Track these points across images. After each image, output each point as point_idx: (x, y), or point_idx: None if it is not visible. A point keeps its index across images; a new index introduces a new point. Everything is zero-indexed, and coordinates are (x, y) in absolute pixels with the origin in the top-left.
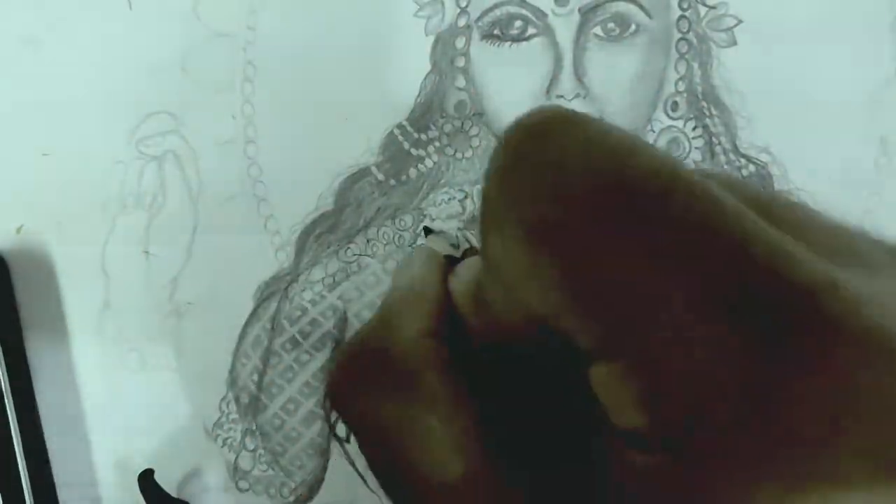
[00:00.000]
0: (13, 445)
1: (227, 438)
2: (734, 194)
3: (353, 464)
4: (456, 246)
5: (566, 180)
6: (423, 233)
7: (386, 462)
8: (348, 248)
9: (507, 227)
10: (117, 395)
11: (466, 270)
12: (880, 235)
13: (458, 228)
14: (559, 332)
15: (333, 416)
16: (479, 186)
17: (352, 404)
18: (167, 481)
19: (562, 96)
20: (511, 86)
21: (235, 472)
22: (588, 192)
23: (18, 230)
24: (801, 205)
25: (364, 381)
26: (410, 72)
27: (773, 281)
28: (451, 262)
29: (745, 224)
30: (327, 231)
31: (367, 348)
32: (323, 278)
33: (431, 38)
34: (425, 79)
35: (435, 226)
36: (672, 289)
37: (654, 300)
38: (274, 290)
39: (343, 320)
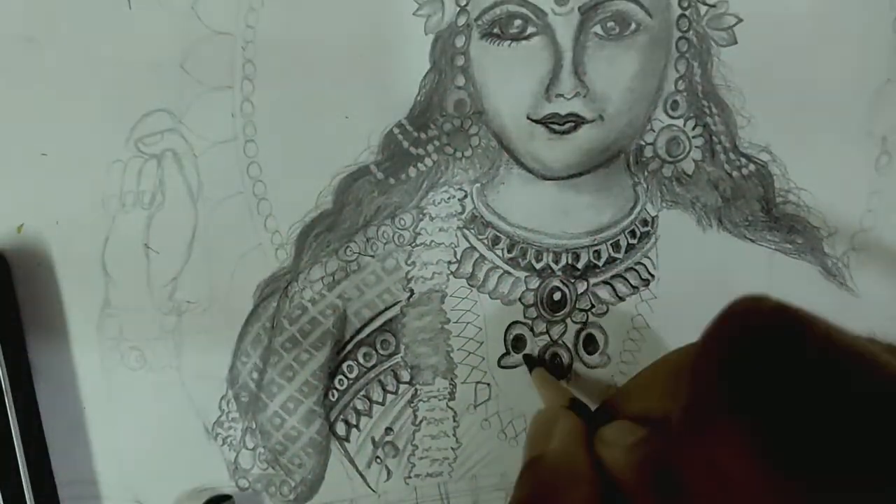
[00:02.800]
0: (13, 444)
1: (227, 437)
2: None
3: (352, 462)
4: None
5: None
6: (524, 364)
7: None
8: (348, 246)
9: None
10: (117, 394)
11: (618, 435)
12: None
13: (458, 227)
14: None
15: (333, 414)
16: (478, 185)
17: None
18: (168, 480)
19: (561, 95)
20: (510, 84)
21: (235, 470)
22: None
23: (19, 229)
24: None
25: None
26: (410, 70)
27: None
28: (574, 408)
29: None
30: (326, 230)
31: None
32: (322, 277)
33: (431, 37)
34: (424, 77)
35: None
36: None
37: None
38: (274, 288)
39: (342, 319)
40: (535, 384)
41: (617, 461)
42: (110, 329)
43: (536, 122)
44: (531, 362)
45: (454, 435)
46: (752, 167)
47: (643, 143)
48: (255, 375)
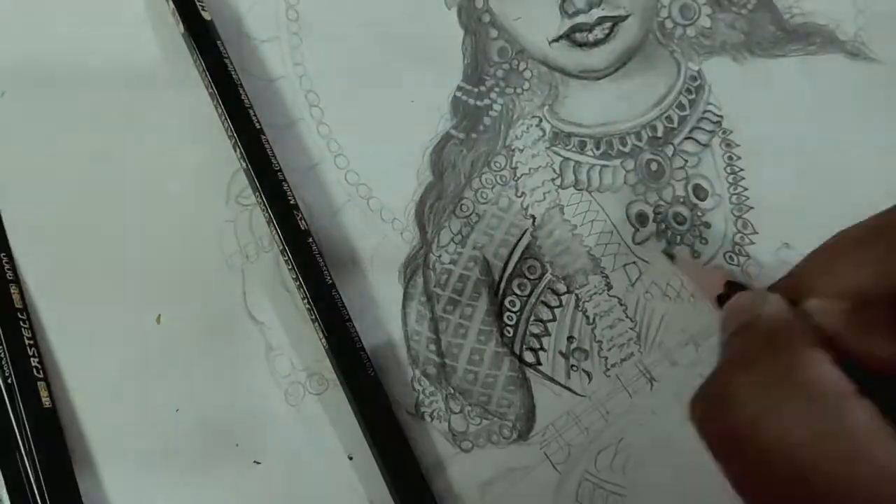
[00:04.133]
0: None
1: (432, 412)
2: None
3: (553, 380)
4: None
5: None
6: (667, 258)
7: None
8: (461, 204)
9: None
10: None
11: (831, 304)
12: None
13: (546, 148)
14: None
15: (516, 347)
16: (546, 107)
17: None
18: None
19: (578, 11)
20: (535, 18)
21: (454, 437)
22: None
23: (158, 320)
24: None
25: (775, 405)
26: (449, 42)
27: None
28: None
29: None
30: (437, 199)
31: (771, 371)
32: (452, 238)
33: (455, 10)
34: (463, 42)
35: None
36: None
37: None
38: (414, 267)
39: (486, 265)
40: (685, 272)
41: (835, 327)
42: (282, 368)
43: (569, 38)
44: (670, 255)
45: (627, 317)
46: (753, 1)
47: (661, 18)
48: (432, 347)
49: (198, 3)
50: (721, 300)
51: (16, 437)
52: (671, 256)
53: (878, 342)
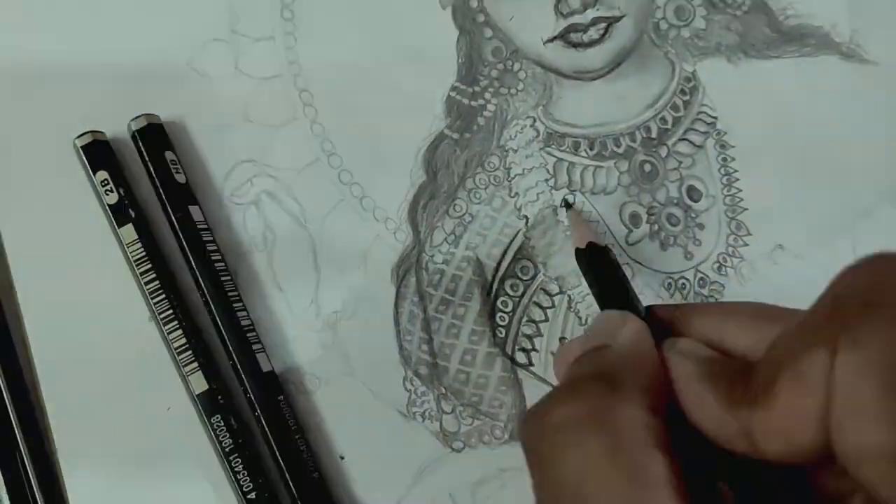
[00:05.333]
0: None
1: (423, 412)
2: None
3: (545, 381)
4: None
5: None
6: (563, 206)
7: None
8: (455, 204)
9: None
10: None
11: (697, 350)
12: None
13: (540, 149)
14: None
15: (508, 348)
16: (540, 108)
17: (560, 450)
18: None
19: (572, 11)
20: (530, 18)
21: (445, 437)
22: None
23: (150, 319)
24: None
25: (577, 440)
26: (443, 41)
27: None
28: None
29: None
30: (430, 198)
31: (584, 405)
32: (445, 238)
33: (449, 9)
34: (458, 42)
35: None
36: None
37: None
38: (407, 266)
39: (479, 265)
40: (571, 223)
41: (693, 374)
42: (276, 366)
43: (564, 39)
44: (567, 204)
45: None
46: (748, 3)
47: (656, 19)
48: (424, 347)
49: None
50: (577, 254)
51: (16, 437)
52: (569, 206)
53: (709, 406)
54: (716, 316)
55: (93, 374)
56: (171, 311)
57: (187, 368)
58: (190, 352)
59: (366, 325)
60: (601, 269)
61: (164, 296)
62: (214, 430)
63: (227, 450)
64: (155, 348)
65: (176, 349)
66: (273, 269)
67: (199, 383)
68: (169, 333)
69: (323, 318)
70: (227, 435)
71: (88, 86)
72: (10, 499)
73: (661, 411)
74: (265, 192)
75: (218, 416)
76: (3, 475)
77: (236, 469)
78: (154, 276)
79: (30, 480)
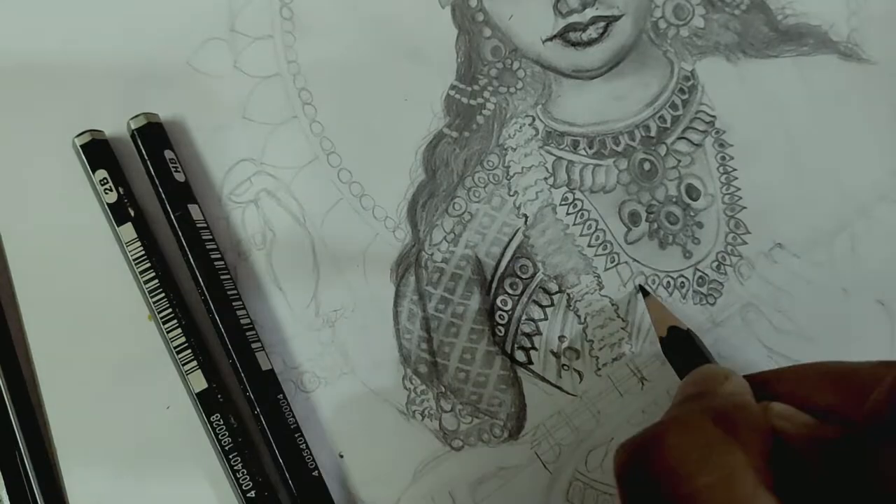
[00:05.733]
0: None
1: (423, 410)
2: None
3: (544, 380)
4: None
5: None
6: (639, 292)
7: None
8: (454, 203)
9: None
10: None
11: (791, 413)
12: None
13: (539, 147)
14: None
15: (507, 346)
16: (539, 107)
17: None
18: (389, 470)
19: (571, 11)
20: (529, 17)
21: (444, 435)
22: None
23: (149, 317)
24: None
25: (691, 472)
26: (443, 40)
27: None
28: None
29: None
30: (430, 197)
31: (701, 439)
32: (444, 237)
33: (449, 9)
34: (457, 41)
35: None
36: None
37: None
38: (406, 265)
39: (478, 263)
40: (650, 311)
41: (794, 435)
42: (275, 365)
43: (563, 38)
44: (644, 291)
45: (618, 316)
46: (747, 2)
47: (655, 18)
48: (423, 346)
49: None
50: (662, 342)
51: (16, 436)
52: (645, 293)
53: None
54: (792, 381)
55: (92, 374)
56: (170, 310)
57: (187, 367)
58: (189, 350)
59: (365, 324)
60: (685, 352)
61: (163, 294)
62: (214, 429)
63: (226, 448)
64: (154, 347)
65: (175, 348)
66: (272, 268)
67: (199, 382)
68: (168, 332)
69: (322, 317)
70: (227, 434)
71: (88, 85)
72: (10, 498)
73: (767, 458)
74: (264, 190)
75: (217, 414)
76: (3, 475)
77: (236, 468)
78: (153, 274)
79: (29, 479)
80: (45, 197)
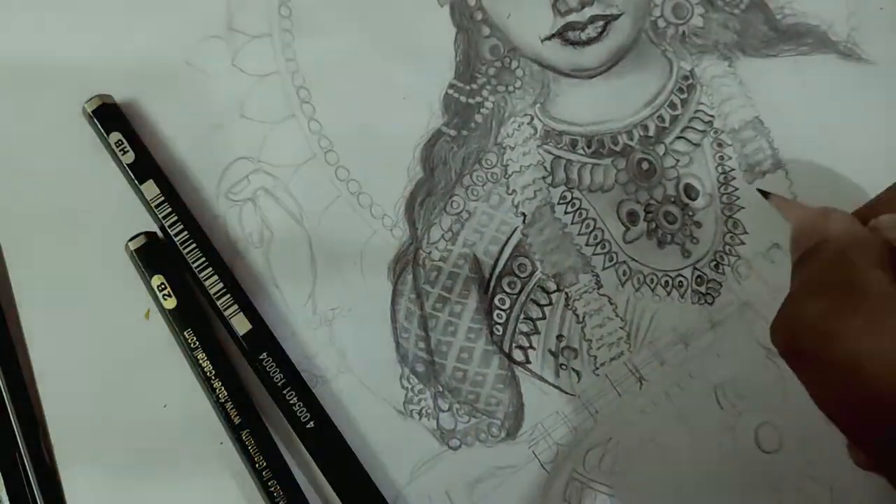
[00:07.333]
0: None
1: (420, 409)
2: None
3: (542, 379)
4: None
5: None
6: (760, 194)
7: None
8: (452, 201)
9: None
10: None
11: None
12: None
13: (538, 146)
14: None
15: (505, 346)
16: (538, 105)
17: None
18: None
19: (570, 10)
20: (527, 16)
21: (442, 435)
22: None
23: (147, 315)
24: None
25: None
26: (441, 39)
27: None
28: None
29: None
30: (427, 195)
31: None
32: (442, 235)
33: (447, 7)
34: (456, 40)
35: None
36: None
37: None
38: (404, 263)
39: (476, 262)
40: (779, 208)
41: None
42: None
43: (562, 36)
44: (765, 194)
45: (617, 315)
46: (746, 1)
47: (654, 18)
48: (421, 345)
49: None
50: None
51: (15, 436)
52: (766, 195)
53: None
54: (885, 205)
55: (91, 373)
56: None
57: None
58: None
59: (362, 323)
60: None
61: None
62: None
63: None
64: (151, 346)
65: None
66: (270, 266)
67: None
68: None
69: (319, 315)
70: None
71: (87, 83)
72: (10, 498)
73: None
74: (262, 188)
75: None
76: (3, 475)
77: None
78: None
79: (29, 480)
80: (45, 197)
